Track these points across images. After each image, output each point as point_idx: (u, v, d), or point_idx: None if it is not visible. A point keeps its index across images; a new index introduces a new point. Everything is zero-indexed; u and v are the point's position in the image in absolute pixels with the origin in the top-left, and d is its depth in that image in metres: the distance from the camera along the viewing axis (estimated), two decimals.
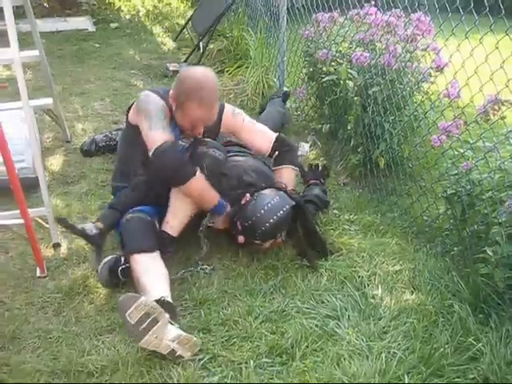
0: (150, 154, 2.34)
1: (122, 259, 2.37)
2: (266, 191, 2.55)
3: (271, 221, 2.43)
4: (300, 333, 2.09)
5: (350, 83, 3.16)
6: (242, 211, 2.51)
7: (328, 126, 3.58)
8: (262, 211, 2.44)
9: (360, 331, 2.11)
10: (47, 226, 2.70)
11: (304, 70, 3.98)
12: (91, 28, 6.52)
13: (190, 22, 5.87)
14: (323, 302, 2.28)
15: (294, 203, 2.50)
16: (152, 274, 2.23)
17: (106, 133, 3.67)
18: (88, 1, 6.73)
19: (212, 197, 2.48)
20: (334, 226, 2.82)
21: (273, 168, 2.81)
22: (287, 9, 4.21)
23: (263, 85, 4.56)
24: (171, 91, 2.51)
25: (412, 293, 2.32)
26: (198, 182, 2.39)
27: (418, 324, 2.13)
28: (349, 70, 3.16)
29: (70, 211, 2.97)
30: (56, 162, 3.52)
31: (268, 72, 4.68)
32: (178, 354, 1.98)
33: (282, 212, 2.44)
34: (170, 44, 6.09)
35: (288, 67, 4.40)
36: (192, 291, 2.34)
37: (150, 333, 1.94)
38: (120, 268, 2.34)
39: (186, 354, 2.00)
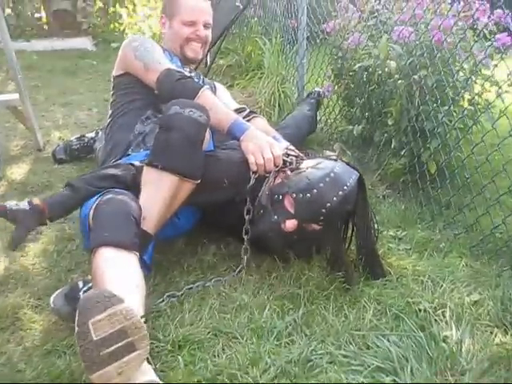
0: (155, 84, 2.04)
1: (81, 283, 1.61)
2: (315, 160, 1.85)
3: (340, 193, 1.71)
4: None
5: (392, 63, 2.43)
6: (289, 183, 1.78)
7: (360, 127, 2.84)
8: (328, 179, 1.73)
9: None
10: None
11: (330, 67, 3.27)
12: (90, 47, 5.97)
13: None
14: (370, 348, 1.48)
15: (358, 174, 1.81)
16: (124, 280, 1.42)
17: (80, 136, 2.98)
18: (88, 20, 6.15)
19: (227, 112, 1.98)
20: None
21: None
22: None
23: (279, 95, 3.87)
24: (160, 18, 2.40)
25: (506, 332, 1.52)
26: (209, 93, 2.00)
27: None
28: (391, 45, 2.44)
29: None
30: (20, 170, 2.82)
31: (284, 81, 4.00)
32: None
33: (350, 182, 1.75)
34: None
35: (309, 70, 3.69)
36: (169, 329, 1.56)
37: (116, 364, 1.20)
38: (82, 291, 1.57)
39: None
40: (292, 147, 2.01)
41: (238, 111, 2.29)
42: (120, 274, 1.42)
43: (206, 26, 2.31)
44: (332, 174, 1.75)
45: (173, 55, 2.29)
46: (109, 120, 2.26)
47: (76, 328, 1.22)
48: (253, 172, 1.84)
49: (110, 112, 2.28)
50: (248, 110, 2.36)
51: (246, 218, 1.84)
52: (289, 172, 1.84)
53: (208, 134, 1.87)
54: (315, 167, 1.81)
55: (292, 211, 1.75)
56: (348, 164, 1.87)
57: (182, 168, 1.72)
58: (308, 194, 1.72)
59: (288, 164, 1.87)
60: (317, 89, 3.40)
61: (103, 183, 1.75)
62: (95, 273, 1.45)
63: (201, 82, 2.38)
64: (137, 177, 1.82)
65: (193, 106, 1.77)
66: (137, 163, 1.87)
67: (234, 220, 1.89)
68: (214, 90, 2.48)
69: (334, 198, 1.71)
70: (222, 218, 1.99)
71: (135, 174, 1.81)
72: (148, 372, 1.27)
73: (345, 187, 1.73)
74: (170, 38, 2.33)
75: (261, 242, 1.86)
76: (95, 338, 1.19)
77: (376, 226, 1.90)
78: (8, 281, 1.84)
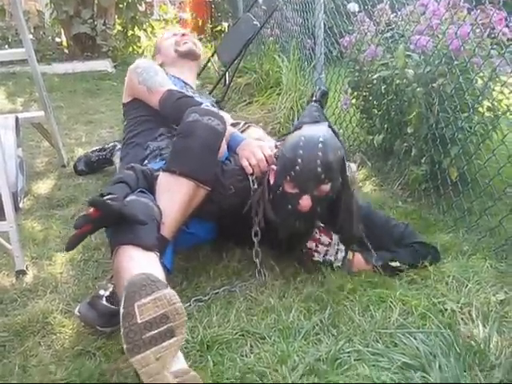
0: (158, 105, 2.17)
1: (102, 291, 1.63)
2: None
3: (320, 145, 1.72)
4: None
5: (410, 71, 2.46)
6: (277, 174, 1.83)
7: (381, 136, 2.86)
8: (301, 150, 1.74)
9: None
10: (10, 247, 2.00)
11: (347, 80, 3.30)
12: (110, 69, 6.07)
13: (215, 56, 5.33)
14: (397, 345, 1.48)
15: (326, 122, 1.88)
16: None
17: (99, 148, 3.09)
18: (108, 43, 6.27)
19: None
20: None
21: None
22: None
23: (298, 110, 3.91)
24: (156, 58, 2.60)
25: None
26: None
27: None
28: (408, 53, 2.48)
29: (47, 234, 2.28)
30: (45, 185, 2.88)
31: (303, 96, 4.03)
32: None
33: (322, 135, 1.76)
34: None
35: (326, 84, 3.73)
36: (197, 330, 1.58)
37: (155, 349, 1.23)
38: (104, 298, 1.59)
39: None
40: (280, 144, 2.04)
41: (234, 125, 2.35)
42: (142, 270, 1.43)
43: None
44: (302, 139, 1.76)
45: (176, 79, 2.41)
46: (123, 141, 2.34)
47: (121, 310, 1.24)
48: (250, 174, 1.92)
49: (123, 135, 2.37)
50: (243, 122, 2.44)
51: (256, 219, 1.88)
52: (274, 167, 1.89)
53: (224, 145, 1.92)
54: (287, 145, 1.83)
55: (297, 190, 1.76)
56: (315, 122, 1.93)
57: (199, 174, 1.75)
58: (297, 167, 1.73)
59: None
60: (322, 87, 3.46)
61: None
62: (118, 269, 1.47)
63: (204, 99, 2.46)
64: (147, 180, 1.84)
65: (211, 114, 1.81)
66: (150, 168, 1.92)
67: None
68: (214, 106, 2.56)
69: (319, 153, 1.71)
70: (238, 235, 2.02)
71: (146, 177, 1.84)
72: (181, 360, 1.29)
73: (320, 139, 1.74)
74: (166, 56, 2.55)
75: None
76: (140, 321, 1.22)
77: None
78: (37, 288, 1.87)
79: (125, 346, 1.22)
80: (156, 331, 1.22)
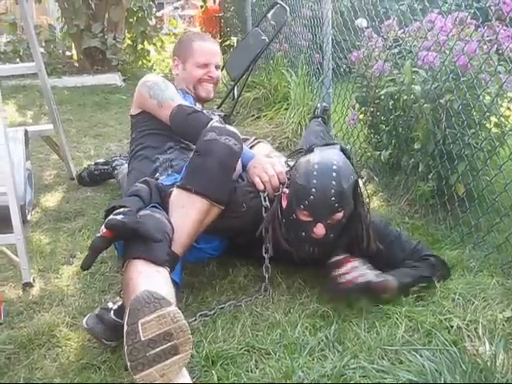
0: (169, 120, 2.12)
1: (110, 304, 1.64)
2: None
3: (334, 174, 1.73)
4: None
5: (417, 87, 2.47)
6: (291, 200, 1.82)
7: (388, 152, 2.86)
8: (315, 180, 1.73)
9: None
10: (17, 259, 2.01)
11: (354, 95, 3.31)
12: (120, 83, 6.12)
13: (224, 70, 5.37)
14: (402, 362, 1.47)
15: (338, 144, 1.87)
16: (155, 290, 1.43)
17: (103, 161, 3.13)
18: (118, 57, 6.33)
19: None
20: None
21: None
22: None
23: (306, 124, 3.92)
24: (173, 60, 2.45)
25: None
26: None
27: None
28: (415, 70, 2.48)
29: (54, 247, 2.29)
30: (53, 198, 2.90)
31: (311, 111, 4.05)
32: None
33: (336, 160, 1.77)
34: None
35: (334, 100, 3.74)
36: (202, 345, 1.58)
37: (159, 366, 1.24)
38: (112, 311, 1.59)
39: None
40: (290, 160, 2.07)
41: (243, 140, 2.36)
42: (151, 285, 1.44)
43: (216, 67, 2.42)
44: (316, 167, 1.75)
45: (186, 94, 2.37)
46: (130, 154, 2.35)
47: (125, 327, 1.25)
48: (261, 191, 1.92)
49: (131, 148, 2.37)
50: (253, 138, 2.44)
51: (267, 236, 1.88)
52: (286, 190, 1.88)
53: (240, 164, 1.93)
54: (300, 171, 1.81)
55: (310, 219, 1.76)
56: (327, 144, 1.91)
57: (214, 193, 1.76)
58: (311, 197, 1.73)
59: (286, 182, 1.93)
60: (324, 104, 3.49)
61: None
62: (128, 282, 1.48)
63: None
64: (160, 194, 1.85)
65: (228, 133, 1.82)
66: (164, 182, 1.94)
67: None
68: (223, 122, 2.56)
69: (333, 182, 1.72)
70: (250, 251, 2.02)
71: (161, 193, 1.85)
72: (186, 377, 1.29)
73: (334, 167, 1.74)
74: (184, 79, 2.41)
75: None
76: (143, 339, 1.23)
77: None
78: (44, 301, 1.88)
79: (128, 364, 1.23)
80: (159, 349, 1.23)
